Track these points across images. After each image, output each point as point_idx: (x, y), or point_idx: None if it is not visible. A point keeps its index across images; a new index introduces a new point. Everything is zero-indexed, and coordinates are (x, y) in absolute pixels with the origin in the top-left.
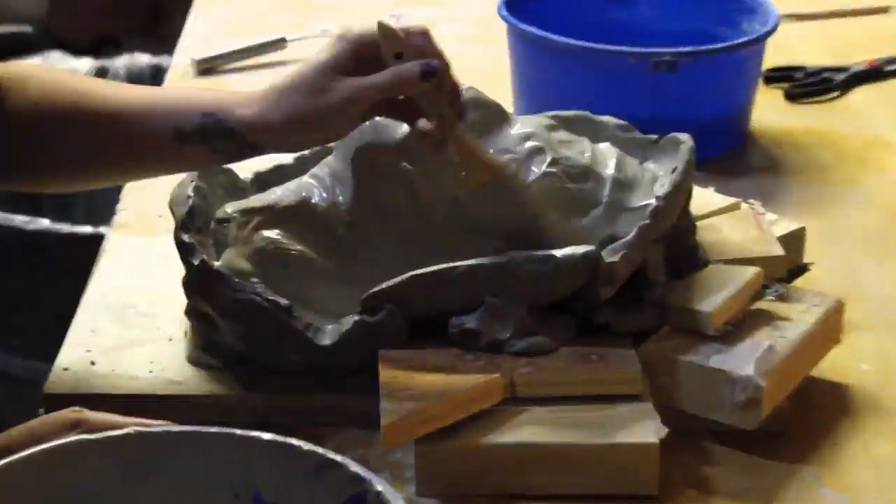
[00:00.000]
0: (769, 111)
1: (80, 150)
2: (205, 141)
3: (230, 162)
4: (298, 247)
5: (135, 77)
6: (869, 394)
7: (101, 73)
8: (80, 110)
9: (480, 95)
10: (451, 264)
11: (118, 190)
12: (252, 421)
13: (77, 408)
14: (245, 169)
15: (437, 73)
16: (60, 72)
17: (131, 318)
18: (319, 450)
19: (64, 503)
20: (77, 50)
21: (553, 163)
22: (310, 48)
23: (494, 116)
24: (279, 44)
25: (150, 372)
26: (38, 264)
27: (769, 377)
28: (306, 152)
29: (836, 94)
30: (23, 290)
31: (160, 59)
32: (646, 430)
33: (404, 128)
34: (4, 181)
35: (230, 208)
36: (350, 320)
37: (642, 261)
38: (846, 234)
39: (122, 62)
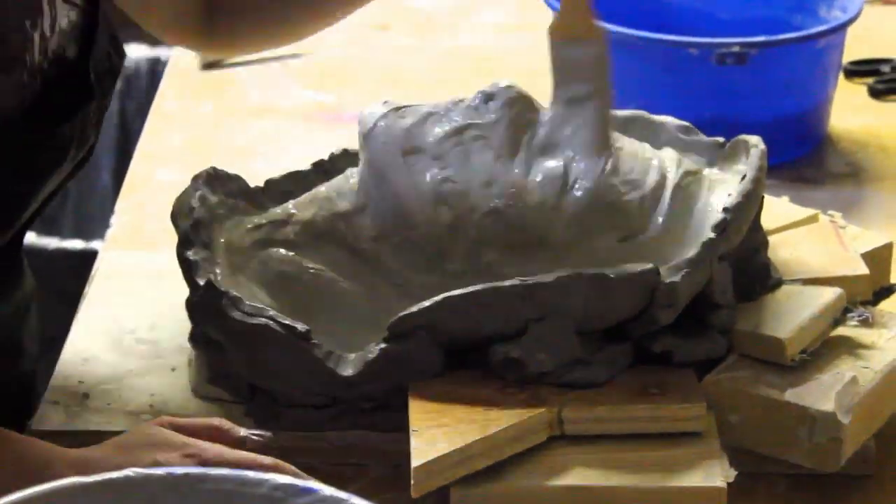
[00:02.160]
0: (851, 110)
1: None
2: None
3: None
4: (317, 266)
5: (130, 72)
6: None
7: None
8: None
9: (520, 92)
10: (490, 284)
11: (112, 200)
12: None
13: (170, 418)
14: (256, 177)
15: None
16: None
17: (129, 346)
18: (342, 494)
19: None
20: None
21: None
22: (329, 39)
23: (535, 116)
24: None
25: (151, 406)
26: None
27: (852, 413)
28: (325, 157)
29: None
30: None
31: (158, 52)
32: (711, 472)
33: (436, 131)
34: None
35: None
36: (376, 348)
37: (707, 281)
38: None
39: None
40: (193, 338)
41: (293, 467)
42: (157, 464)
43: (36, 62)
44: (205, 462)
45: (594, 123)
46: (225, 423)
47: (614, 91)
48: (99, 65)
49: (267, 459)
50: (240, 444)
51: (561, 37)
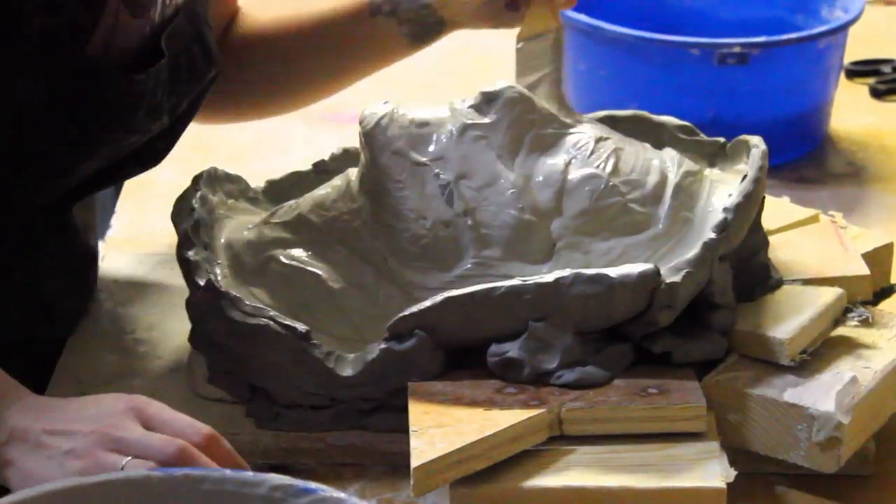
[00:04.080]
0: (852, 110)
1: (296, 61)
2: (393, 12)
3: (417, 42)
4: (317, 266)
5: None
6: None
7: None
8: (292, 22)
9: (521, 93)
10: (490, 285)
11: (113, 200)
12: (265, 461)
13: (144, 398)
14: (256, 177)
15: None
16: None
17: (129, 346)
18: (341, 495)
19: None
20: None
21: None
22: None
23: (536, 116)
24: None
25: None
26: None
27: (852, 414)
28: (325, 158)
29: None
30: None
31: None
32: (711, 472)
33: (437, 132)
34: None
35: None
36: (375, 348)
37: (707, 281)
38: None
39: None
40: (193, 338)
41: (228, 444)
42: (99, 411)
43: (156, 18)
44: (144, 415)
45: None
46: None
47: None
48: (175, 39)
49: (205, 427)
50: None
51: (528, 36)
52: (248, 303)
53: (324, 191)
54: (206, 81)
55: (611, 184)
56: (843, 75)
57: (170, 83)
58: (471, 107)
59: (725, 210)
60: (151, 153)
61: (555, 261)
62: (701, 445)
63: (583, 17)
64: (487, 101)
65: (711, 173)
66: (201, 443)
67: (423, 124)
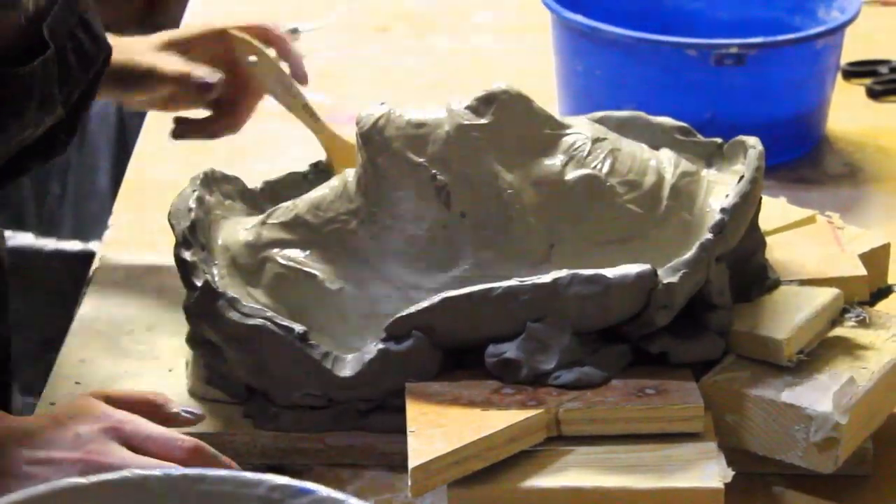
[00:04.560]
0: (848, 111)
1: None
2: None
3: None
4: (315, 267)
5: None
6: None
7: None
8: None
9: (518, 94)
10: (488, 285)
11: (110, 201)
12: (263, 462)
13: (105, 391)
14: (253, 178)
15: (210, 89)
16: None
17: (126, 347)
18: (340, 495)
19: None
20: None
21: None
22: (325, 39)
23: (534, 118)
24: (291, 35)
25: None
26: (19, 285)
27: (849, 414)
28: (322, 158)
29: None
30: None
31: None
32: (709, 473)
33: (434, 133)
34: None
35: (243, 226)
36: (373, 349)
37: (704, 282)
38: None
39: None
40: (191, 339)
41: (212, 449)
42: (77, 436)
43: (31, 7)
44: (123, 434)
45: None
46: (160, 398)
47: None
48: (57, 28)
49: (187, 440)
50: (172, 418)
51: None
52: (245, 303)
53: (321, 191)
54: (98, 66)
55: (608, 184)
56: (840, 76)
57: (60, 74)
58: (468, 108)
59: (722, 211)
60: (55, 142)
61: (552, 261)
62: (698, 446)
63: (579, 18)
64: (484, 102)
65: (708, 174)
66: (185, 458)
67: (420, 125)
